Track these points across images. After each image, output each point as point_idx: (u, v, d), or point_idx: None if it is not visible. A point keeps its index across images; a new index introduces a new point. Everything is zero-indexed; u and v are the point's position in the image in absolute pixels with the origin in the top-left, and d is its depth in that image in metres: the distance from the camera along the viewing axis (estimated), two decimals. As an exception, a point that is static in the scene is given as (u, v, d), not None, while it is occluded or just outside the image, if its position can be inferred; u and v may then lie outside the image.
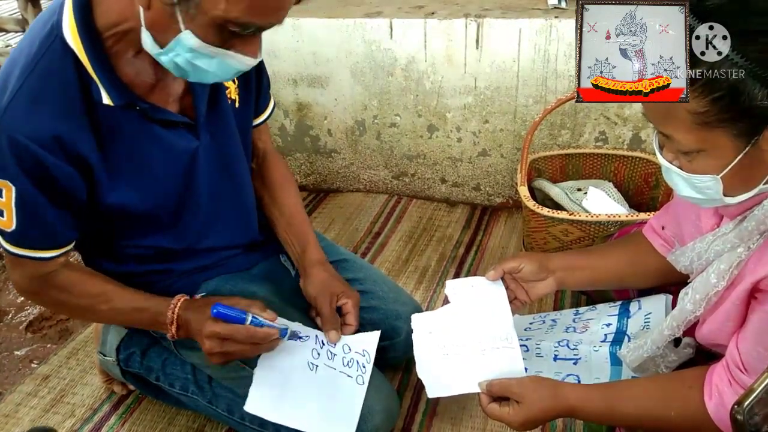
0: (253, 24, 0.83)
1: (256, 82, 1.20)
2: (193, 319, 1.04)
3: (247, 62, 0.89)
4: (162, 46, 0.86)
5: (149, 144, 1.01)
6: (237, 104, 1.14)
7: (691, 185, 0.80)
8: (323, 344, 1.15)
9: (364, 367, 1.14)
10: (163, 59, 0.87)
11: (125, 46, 0.92)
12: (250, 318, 1.01)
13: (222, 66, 0.88)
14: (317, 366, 1.13)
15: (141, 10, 0.83)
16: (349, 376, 1.13)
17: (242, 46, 0.87)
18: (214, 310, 0.99)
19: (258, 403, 1.08)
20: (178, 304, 1.06)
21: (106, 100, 0.93)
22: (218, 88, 1.08)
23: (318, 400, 1.10)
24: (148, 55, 0.90)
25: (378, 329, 1.23)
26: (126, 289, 1.10)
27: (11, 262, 1.04)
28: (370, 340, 1.17)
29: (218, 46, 0.84)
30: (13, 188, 0.92)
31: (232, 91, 1.13)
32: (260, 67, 1.21)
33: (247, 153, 1.23)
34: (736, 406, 0.59)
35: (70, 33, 0.89)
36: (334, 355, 1.14)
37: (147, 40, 0.86)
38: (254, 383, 1.09)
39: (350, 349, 1.16)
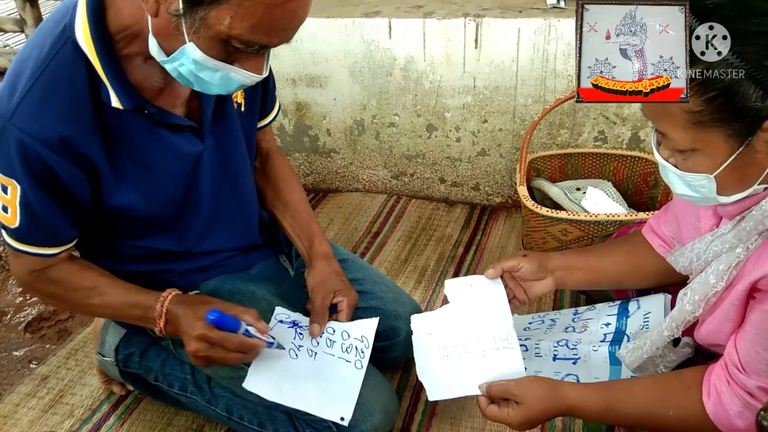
0: (257, 42, 0.82)
1: (262, 85, 1.20)
2: (183, 317, 1.02)
3: (251, 78, 0.89)
4: (167, 54, 0.86)
5: (155, 147, 1.01)
6: (243, 108, 1.14)
7: (685, 183, 0.80)
8: (321, 334, 1.15)
9: (362, 352, 1.15)
10: (168, 67, 0.88)
11: (135, 50, 0.92)
12: (243, 327, 1.00)
13: (225, 80, 0.88)
14: (316, 353, 1.13)
15: (149, 16, 0.83)
16: (347, 361, 1.14)
17: (247, 62, 0.86)
18: (211, 316, 0.97)
19: (257, 382, 1.08)
20: (168, 298, 1.05)
21: (115, 103, 0.93)
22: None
23: (316, 382, 1.11)
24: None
25: (379, 328, 1.23)
26: (119, 282, 1.09)
27: (12, 254, 1.05)
28: (369, 326, 1.18)
29: (222, 61, 0.84)
30: (19, 187, 0.93)
31: (239, 95, 1.13)
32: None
33: (251, 156, 1.23)
34: (762, 412, 0.60)
35: (83, 35, 0.89)
36: (333, 342, 1.15)
37: (153, 47, 0.87)
38: (253, 363, 1.09)
39: (349, 336, 1.16)
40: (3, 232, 1.01)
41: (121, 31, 0.90)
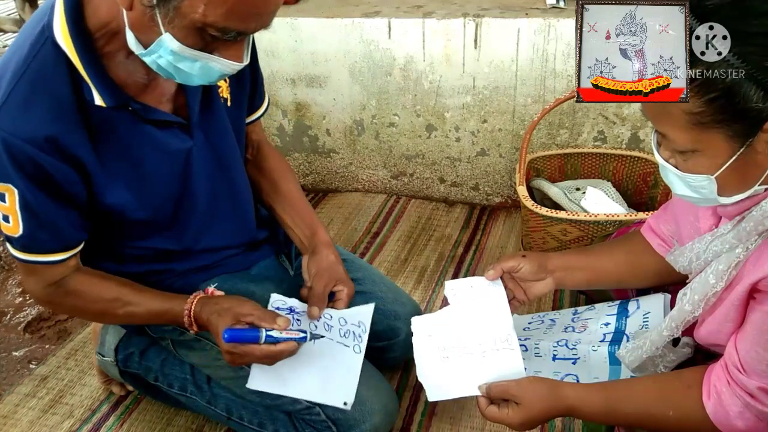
0: (233, 29, 0.82)
1: (250, 80, 1.19)
2: (213, 325, 1.04)
3: (231, 67, 0.88)
4: (145, 47, 0.85)
5: (143, 144, 1.00)
6: (229, 103, 1.14)
7: (686, 184, 0.80)
8: (319, 317, 1.16)
9: (360, 337, 1.16)
10: (147, 60, 0.87)
11: (116, 47, 0.92)
12: (264, 336, 1.00)
13: (205, 70, 0.87)
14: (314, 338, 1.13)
15: (124, 11, 0.83)
16: (346, 345, 1.15)
17: (225, 50, 0.86)
18: (226, 335, 0.98)
19: (259, 379, 1.09)
20: (193, 308, 1.06)
21: (98, 101, 0.92)
22: (211, 88, 1.08)
23: (317, 369, 1.12)
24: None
25: (379, 328, 1.24)
26: (139, 291, 1.10)
27: (24, 271, 1.05)
28: (365, 312, 1.19)
29: (200, 50, 0.84)
30: (16, 191, 0.92)
31: (224, 90, 1.12)
32: (254, 65, 1.20)
33: (242, 151, 1.23)
34: None
35: (62, 34, 0.89)
36: (331, 327, 1.16)
37: (131, 40, 0.86)
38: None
39: (346, 322, 1.17)
40: (9, 247, 1.01)
41: (100, 28, 0.90)
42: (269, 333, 1.01)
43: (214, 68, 0.87)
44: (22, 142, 0.89)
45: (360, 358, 1.14)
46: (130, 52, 0.89)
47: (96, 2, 0.89)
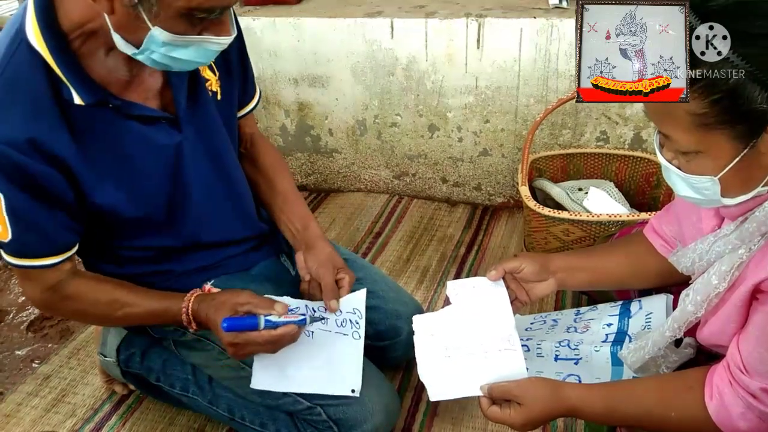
0: (218, 6, 0.84)
1: (240, 73, 1.19)
2: (211, 320, 1.04)
3: (222, 42, 0.90)
4: (136, 46, 0.86)
5: (129, 141, 1.00)
6: (219, 96, 1.13)
7: (689, 185, 0.80)
8: (314, 311, 1.16)
9: (357, 323, 1.16)
10: (141, 58, 0.88)
11: (94, 46, 0.92)
12: (263, 322, 1.00)
13: (199, 51, 0.89)
14: (313, 332, 1.14)
15: (105, 15, 0.83)
16: (344, 334, 1.15)
17: (214, 28, 0.88)
18: (224, 325, 0.99)
19: (263, 378, 1.09)
20: (190, 306, 1.06)
21: (77, 99, 0.92)
22: (197, 81, 1.08)
23: (319, 361, 1.12)
24: (120, 53, 0.90)
25: (381, 328, 1.24)
26: (136, 292, 1.10)
27: (20, 276, 1.05)
28: (359, 298, 1.19)
29: (189, 35, 0.85)
30: (1, 196, 0.92)
31: (213, 83, 1.12)
32: (243, 57, 1.20)
33: (234, 144, 1.22)
34: None
35: (34, 36, 0.89)
36: (327, 319, 1.16)
37: (120, 43, 0.86)
38: (255, 360, 1.09)
39: (341, 311, 1.17)
40: (2, 252, 1.00)
41: (74, 29, 0.90)
42: (268, 318, 1.01)
43: (207, 47, 0.89)
44: (3, 146, 0.88)
45: (360, 344, 1.14)
46: (110, 50, 0.89)
47: (68, 5, 0.89)
